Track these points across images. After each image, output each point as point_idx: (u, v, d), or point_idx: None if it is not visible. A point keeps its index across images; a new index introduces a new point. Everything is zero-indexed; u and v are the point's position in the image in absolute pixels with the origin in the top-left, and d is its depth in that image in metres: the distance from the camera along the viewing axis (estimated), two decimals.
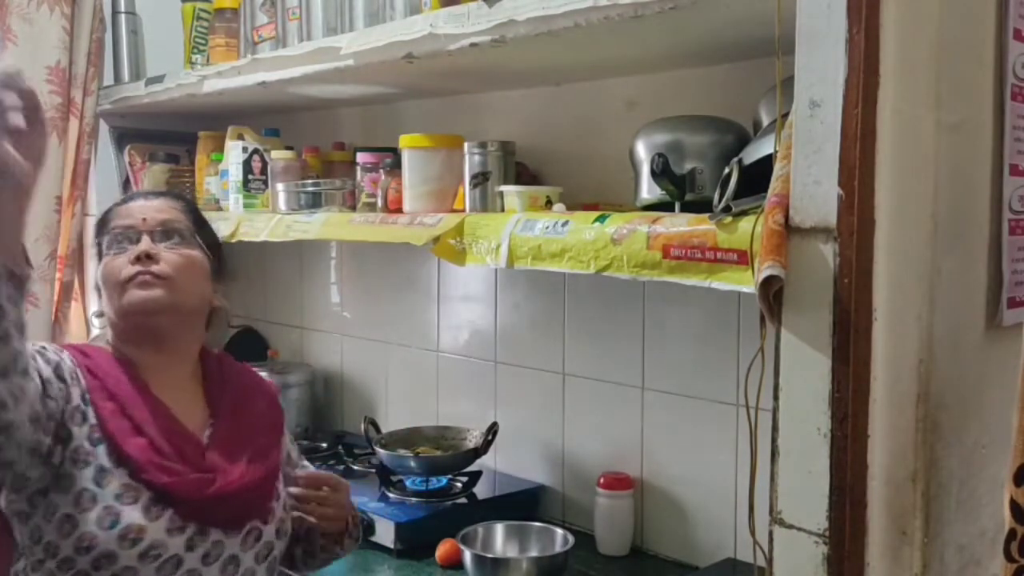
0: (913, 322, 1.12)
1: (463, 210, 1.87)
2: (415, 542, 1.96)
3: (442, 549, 1.89)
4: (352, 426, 2.65)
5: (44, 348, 1.33)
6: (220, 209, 2.48)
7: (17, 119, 1.02)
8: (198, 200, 2.51)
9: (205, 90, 2.31)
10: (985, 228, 1.21)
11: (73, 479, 1.29)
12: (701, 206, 1.44)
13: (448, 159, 1.94)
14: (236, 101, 2.42)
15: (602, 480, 1.96)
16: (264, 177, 2.40)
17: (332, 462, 2.40)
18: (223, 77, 2.25)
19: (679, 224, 1.34)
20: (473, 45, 1.60)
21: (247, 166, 2.40)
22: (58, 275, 2.62)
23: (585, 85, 2.02)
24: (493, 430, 2.17)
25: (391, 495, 2.12)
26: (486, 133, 2.00)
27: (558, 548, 1.83)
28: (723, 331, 1.81)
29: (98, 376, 1.36)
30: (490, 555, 1.84)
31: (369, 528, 1.98)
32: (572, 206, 1.75)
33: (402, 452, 2.18)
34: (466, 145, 1.91)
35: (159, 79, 2.47)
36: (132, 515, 1.29)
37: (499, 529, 1.92)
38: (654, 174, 1.50)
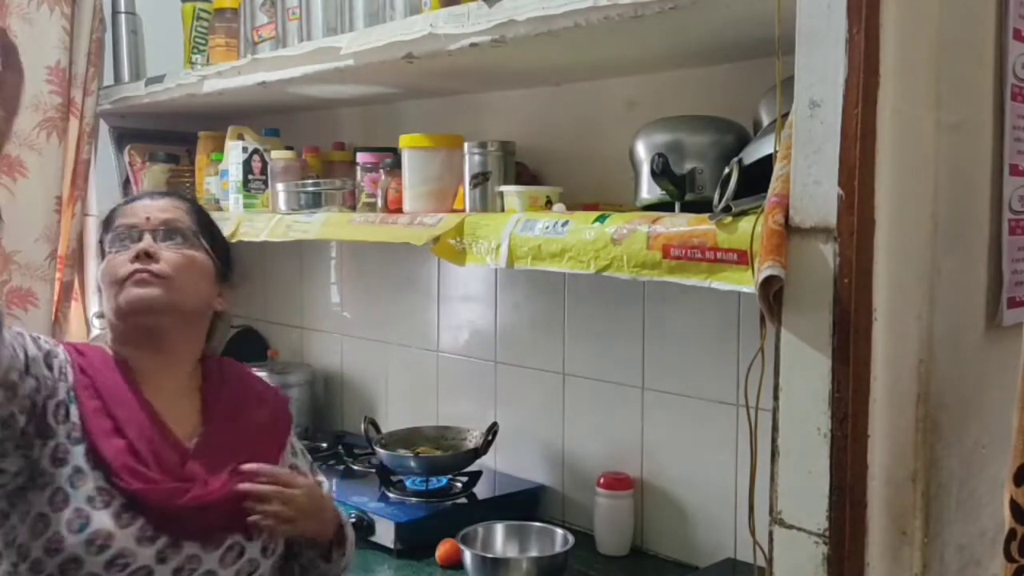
0: (913, 322, 1.12)
1: (463, 210, 1.87)
2: (415, 542, 1.96)
3: (442, 549, 1.89)
4: (352, 426, 2.65)
5: (40, 336, 1.32)
6: (220, 209, 2.48)
7: None
8: (198, 200, 2.51)
9: (205, 90, 2.31)
10: (985, 228, 1.21)
11: (50, 477, 1.27)
12: (701, 206, 1.44)
13: (448, 159, 1.94)
14: (236, 101, 2.42)
15: (602, 480, 1.96)
16: (264, 177, 2.40)
17: (332, 462, 2.40)
18: (223, 77, 2.25)
19: (679, 224, 1.34)
20: (473, 45, 1.60)
21: (247, 166, 2.40)
22: (58, 275, 2.62)
23: (585, 85, 2.02)
24: (493, 430, 2.17)
25: (391, 495, 2.12)
26: (486, 133, 2.00)
27: (558, 548, 1.83)
28: (723, 331, 1.81)
29: (89, 374, 1.34)
30: (490, 555, 1.84)
31: (369, 528, 1.98)
32: (572, 206, 1.75)
33: (402, 452, 2.18)
34: (466, 145, 1.91)
35: (159, 79, 2.47)
36: (101, 520, 1.26)
37: (499, 529, 1.92)
38: (654, 174, 1.50)
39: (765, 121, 1.51)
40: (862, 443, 1.08)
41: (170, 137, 2.89)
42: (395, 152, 2.07)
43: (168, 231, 1.41)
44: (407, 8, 1.83)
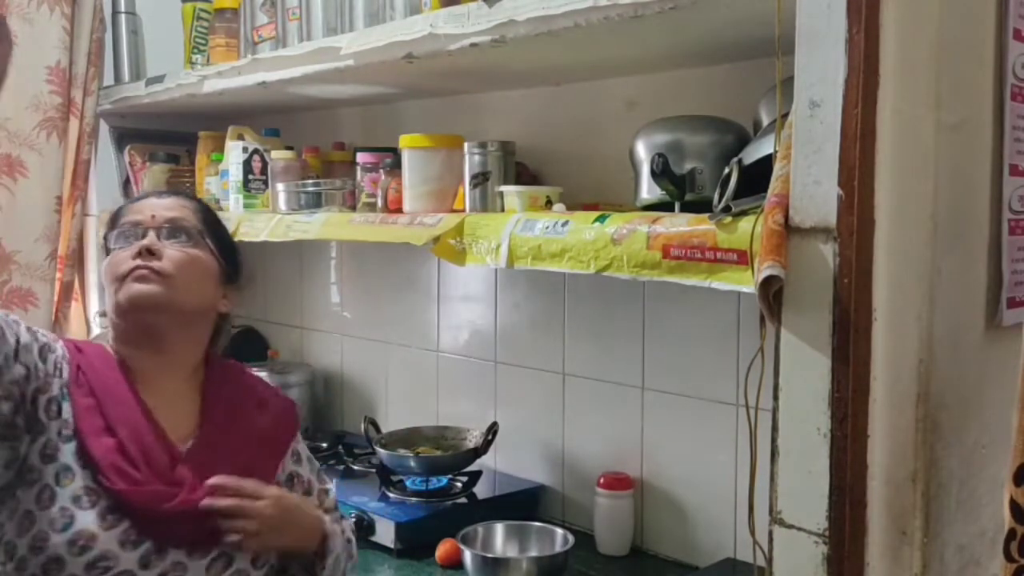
0: (913, 322, 1.12)
1: (463, 210, 1.87)
2: (415, 542, 1.96)
3: (442, 549, 1.89)
4: (352, 426, 2.65)
5: (41, 330, 1.31)
6: (220, 209, 2.47)
7: None
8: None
9: (205, 90, 2.31)
10: (985, 228, 1.21)
11: (39, 474, 1.25)
12: (701, 206, 1.44)
13: (448, 159, 1.94)
14: (236, 101, 2.42)
15: (602, 480, 1.96)
16: (264, 177, 2.40)
17: (332, 462, 2.40)
18: (223, 77, 2.25)
19: (679, 224, 1.34)
20: (473, 45, 1.60)
21: (247, 166, 2.40)
22: (58, 275, 2.62)
23: (585, 85, 2.02)
24: (493, 430, 2.17)
25: (391, 495, 2.12)
26: (486, 133, 2.00)
27: (558, 548, 1.83)
28: (723, 331, 1.81)
29: (85, 371, 1.32)
30: (490, 555, 1.84)
31: (369, 528, 1.98)
32: (572, 206, 1.75)
33: (402, 452, 2.18)
34: (466, 145, 1.91)
35: (159, 79, 2.47)
36: (85, 520, 1.24)
37: (499, 529, 1.92)
38: (654, 174, 1.50)
39: (765, 121, 1.51)
40: (862, 443, 1.08)
41: (170, 137, 2.89)
42: (395, 152, 2.07)
43: (172, 229, 1.40)
44: (407, 8, 1.83)
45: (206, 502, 1.29)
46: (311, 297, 2.85)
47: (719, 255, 1.27)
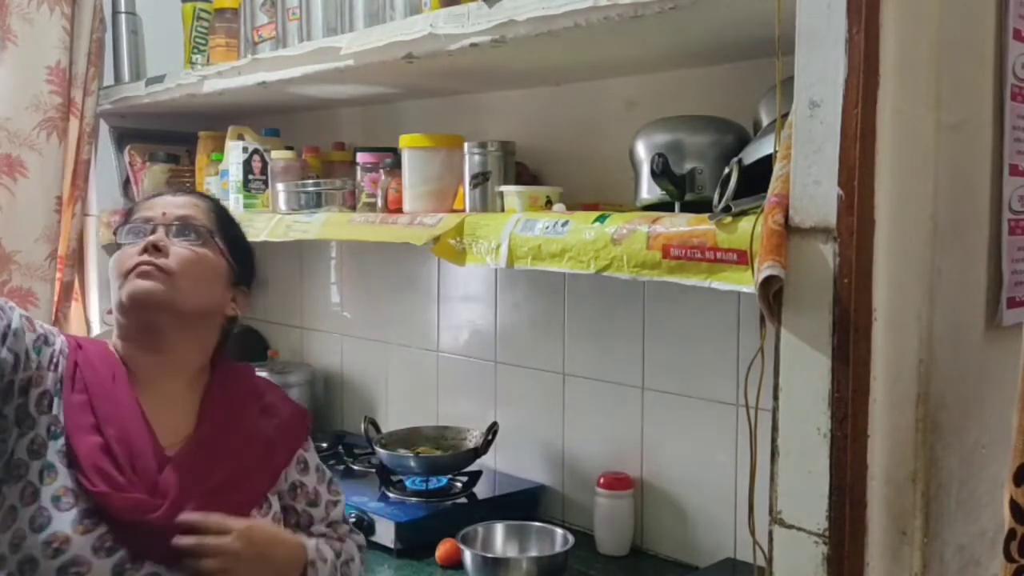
0: (913, 322, 1.12)
1: (463, 210, 1.87)
2: (415, 542, 1.96)
3: (442, 549, 1.89)
4: (352, 426, 2.65)
5: (41, 322, 1.30)
6: None
7: None
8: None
9: (205, 90, 2.31)
10: (985, 228, 1.21)
11: (25, 470, 1.24)
12: (701, 206, 1.44)
13: (448, 159, 1.94)
14: (236, 101, 2.42)
15: (602, 480, 1.96)
16: (264, 177, 2.40)
17: (332, 462, 2.40)
18: (223, 77, 2.25)
19: (679, 224, 1.34)
20: (473, 45, 1.60)
21: (247, 166, 2.40)
22: (58, 275, 2.62)
23: (585, 85, 2.02)
24: (493, 430, 2.17)
25: (391, 495, 2.12)
26: (486, 133, 2.00)
27: (558, 548, 1.83)
28: (723, 331, 1.81)
29: (82, 367, 1.30)
30: (490, 555, 1.84)
31: (369, 528, 1.98)
32: (572, 206, 1.75)
33: (402, 452, 2.18)
34: (466, 145, 1.91)
35: (159, 79, 2.47)
36: (61, 522, 1.21)
37: (499, 529, 1.92)
38: (654, 174, 1.50)
39: (765, 121, 1.51)
40: (862, 443, 1.08)
41: (170, 137, 2.89)
42: (395, 152, 2.07)
43: (182, 227, 1.38)
44: (407, 8, 1.83)
45: (176, 540, 1.24)
46: (311, 297, 2.85)
47: (719, 255, 1.27)
